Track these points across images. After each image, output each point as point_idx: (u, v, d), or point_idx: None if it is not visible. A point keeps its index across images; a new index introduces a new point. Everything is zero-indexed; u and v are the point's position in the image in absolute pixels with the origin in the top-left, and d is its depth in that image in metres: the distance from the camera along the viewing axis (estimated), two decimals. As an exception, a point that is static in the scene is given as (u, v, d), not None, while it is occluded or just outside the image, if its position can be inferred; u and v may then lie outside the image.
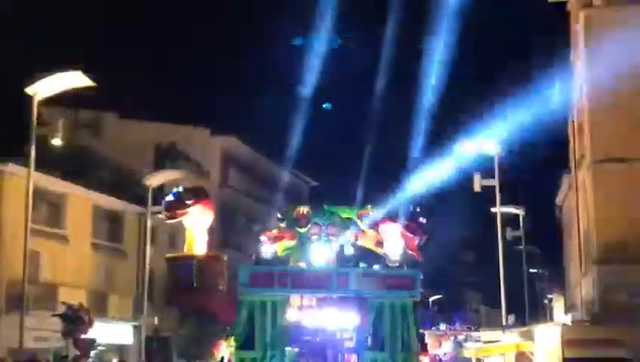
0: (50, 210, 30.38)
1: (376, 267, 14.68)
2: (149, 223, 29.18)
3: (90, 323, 18.92)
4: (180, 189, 16.41)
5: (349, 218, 15.04)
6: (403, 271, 13.94)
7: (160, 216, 17.65)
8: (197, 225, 15.36)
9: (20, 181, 25.89)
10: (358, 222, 14.97)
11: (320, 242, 14.87)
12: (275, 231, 15.57)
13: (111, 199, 33.88)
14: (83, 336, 18.97)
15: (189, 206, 15.21)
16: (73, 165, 31.18)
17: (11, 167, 27.52)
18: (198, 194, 15.83)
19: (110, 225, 34.66)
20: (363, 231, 14.95)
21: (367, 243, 15.06)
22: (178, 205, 15.36)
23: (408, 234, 14.47)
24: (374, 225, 14.94)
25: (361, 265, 14.78)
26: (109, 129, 40.23)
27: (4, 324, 24.06)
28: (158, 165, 37.54)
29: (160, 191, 32.25)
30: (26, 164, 23.18)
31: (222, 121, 42.78)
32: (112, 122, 40.52)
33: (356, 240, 14.99)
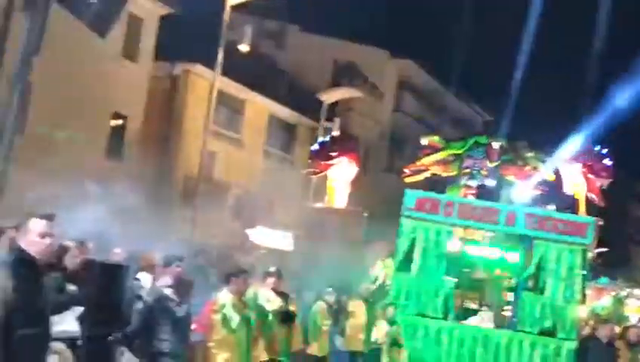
0: (228, 113, 31.44)
1: (548, 208, 14.29)
2: (319, 138, 29.64)
3: None
4: (327, 139, 16.41)
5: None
6: (577, 217, 13.44)
7: (305, 171, 17.84)
8: (340, 178, 15.32)
9: (204, 82, 26.91)
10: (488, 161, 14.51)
11: (474, 176, 14.61)
12: (419, 163, 15.41)
13: (286, 110, 34.62)
14: None
15: (334, 157, 15.19)
16: (254, 73, 31.95)
17: (198, 68, 28.55)
18: (344, 146, 15.75)
19: (282, 135, 35.52)
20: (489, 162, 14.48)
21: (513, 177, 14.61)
22: (324, 155, 15.37)
23: (590, 175, 13.90)
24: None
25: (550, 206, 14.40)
26: (291, 41, 40.78)
27: (177, 217, 25.36)
28: (335, 82, 37.86)
29: (334, 107, 32.65)
30: (212, 66, 24.04)
31: (402, 44, 42.33)
32: (294, 35, 41.02)
33: (503, 174, 14.58)
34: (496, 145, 14.67)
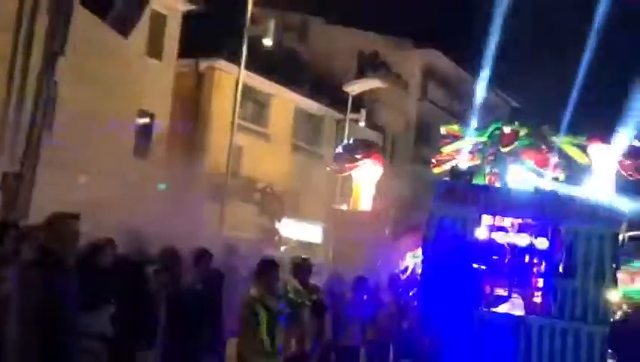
0: (254, 108, 31.53)
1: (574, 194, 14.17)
2: (346, 129, 29.66)
3: None
4: (351, 142, 16.51)
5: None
6: (607, 201, 13.30)
7: (329, 168, 18.09)
8: (365, 179, 15.39)
9: (229, 77, 27.00)
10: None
11: (498, 163, 14.54)
12: (445, 153, 15.36)
13: (312, 103, 34.63)
14: None
15: (358, 160, 15.28)
16: (279, 67, 31.99)
17: (222, 64, 28.65)
18: (368, 148, 15.88)
19: (309, 128, 35.55)
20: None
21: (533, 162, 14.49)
22: (348, 158, 15.47)
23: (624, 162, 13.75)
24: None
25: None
26: (314, 33, 40.75)
27: (205, 212, 25.51)
28: (360, 73, 37.80)
29: (360, 98, 32.61)
30: (237, 62, 24.16)
31: (425, 34, 42.00)
32: (318, 27, 40.99)
33: (522, 159, 14.47)
34: (507, 129, 14.59)
